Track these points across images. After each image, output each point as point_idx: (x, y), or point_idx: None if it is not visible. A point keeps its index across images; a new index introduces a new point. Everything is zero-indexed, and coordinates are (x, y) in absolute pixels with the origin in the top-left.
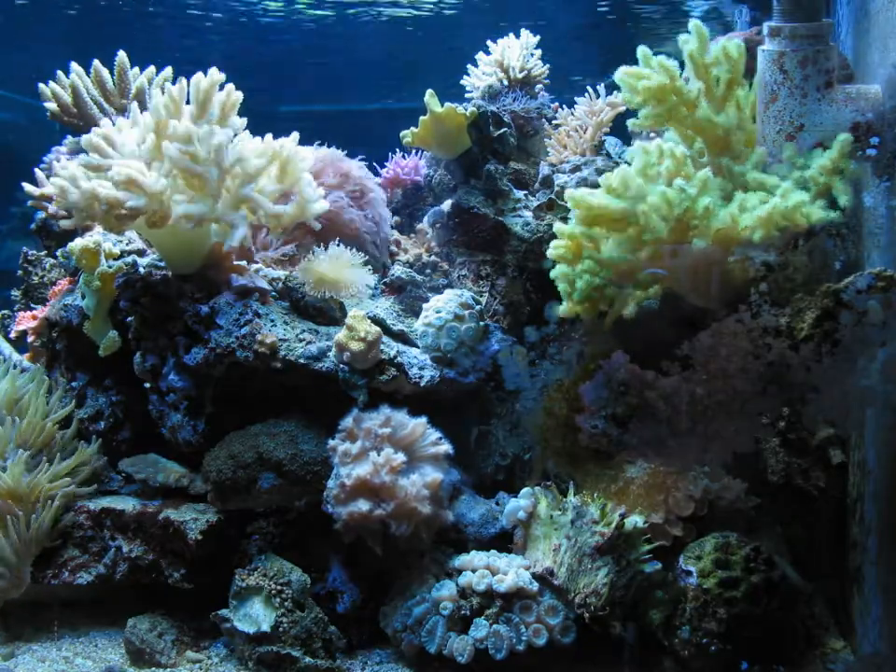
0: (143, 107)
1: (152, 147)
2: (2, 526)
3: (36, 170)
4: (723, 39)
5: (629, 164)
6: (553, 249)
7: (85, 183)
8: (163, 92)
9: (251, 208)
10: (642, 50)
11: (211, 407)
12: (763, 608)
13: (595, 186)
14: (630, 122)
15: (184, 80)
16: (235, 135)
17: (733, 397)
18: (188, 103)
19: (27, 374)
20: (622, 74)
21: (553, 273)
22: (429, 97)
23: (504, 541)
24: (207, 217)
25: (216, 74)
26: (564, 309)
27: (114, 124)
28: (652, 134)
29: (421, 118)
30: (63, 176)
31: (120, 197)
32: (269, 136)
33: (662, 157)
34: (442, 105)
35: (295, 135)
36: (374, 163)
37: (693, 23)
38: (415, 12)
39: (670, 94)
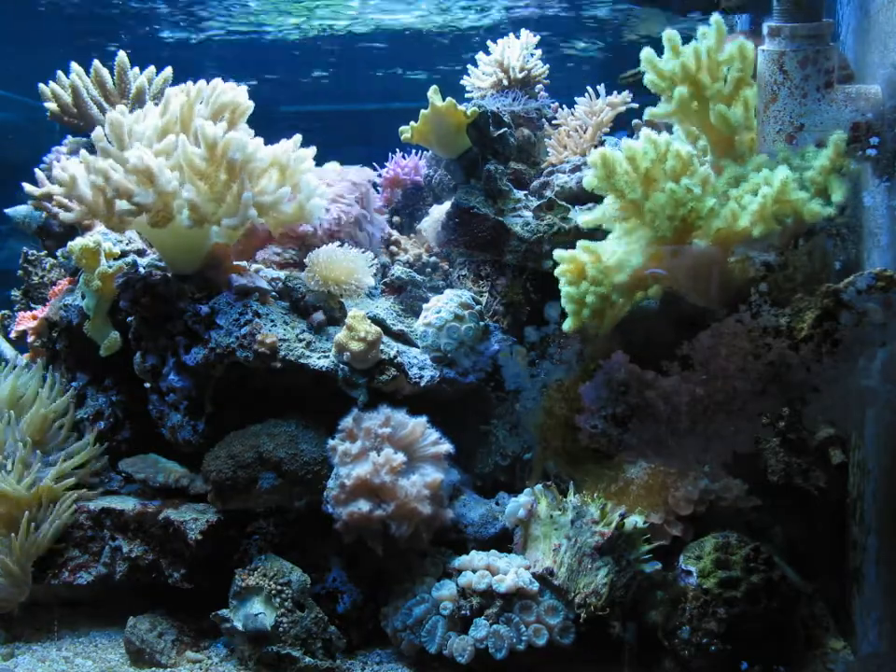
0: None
1: (161, 145)
2: (5, 534)
3: (36, 170)
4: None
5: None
6: (559, 272)
7: (101, 163)
8: (175, 93)
9: (258, 210)
10: (668, 34)
11: (211, 407)
12: (763, 608)
13: None
14: (648, 111)
15: (202, 83)
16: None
17: (733, 397)
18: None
19: (30, 372)
20: (643, 59)
21: (563, 293)
22: (433, 92)
23: (504, 541)
24: (210, 219)
25: (242, 92)
26: (569, 325)
27: None
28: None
29: (421, 111)
30: (77, 163)
31: (130, 187)
32: (283, 142)
33: (667, 152)
34: (444, 101)
35: (297, 138)
36: (374, 163)
37: (714, 19)
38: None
39: (690, 83)
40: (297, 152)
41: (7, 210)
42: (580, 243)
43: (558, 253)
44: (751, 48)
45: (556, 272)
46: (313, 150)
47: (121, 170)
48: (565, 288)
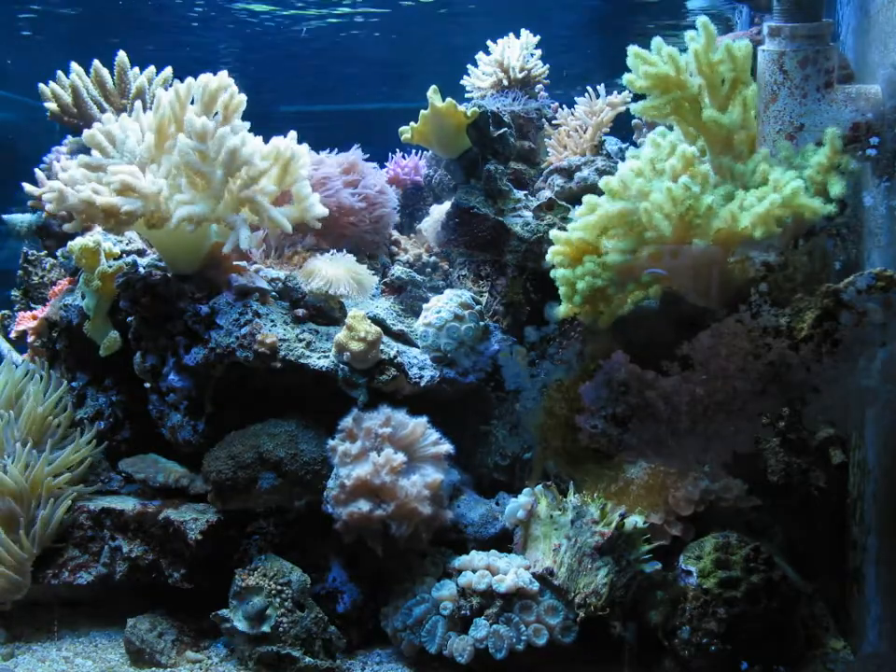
0: (143, 108)
1: (152, 146)
2: (5, 528)
3: (36, 170)
4: (724, 39)
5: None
6: (552, 255)
7: (82, 189)
8: (166, 91)
9: (252, 210)
10: (657, 41)
11: (211, 407)
12: (763, 608)
13: (595, 186)
14: (634, 108)
15: (191, 79)
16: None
17: (733, 397)
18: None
19: (27, 371)
20: (631, 54)
21: (554, 275)
22: (433, 92)
23: (504, 541)
24: (208, 218)
25: (225, 76)
26: (563, 310)
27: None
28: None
29: (421, 112)
30: (60, 180)
31: (117, 203)
32: (275, 140)
33: (672, 152)
34: (444, 101)
35: (293, 135)
36: (374, 163)
37: (701, 21)
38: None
39: (674, 87)
40: (294, 149)
41: (3, 216)
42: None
43: (554, 234)
44: (740, 47)
45: (549, 255)
46: (306, 147)
47: (105, 190)
48: (559, 272)
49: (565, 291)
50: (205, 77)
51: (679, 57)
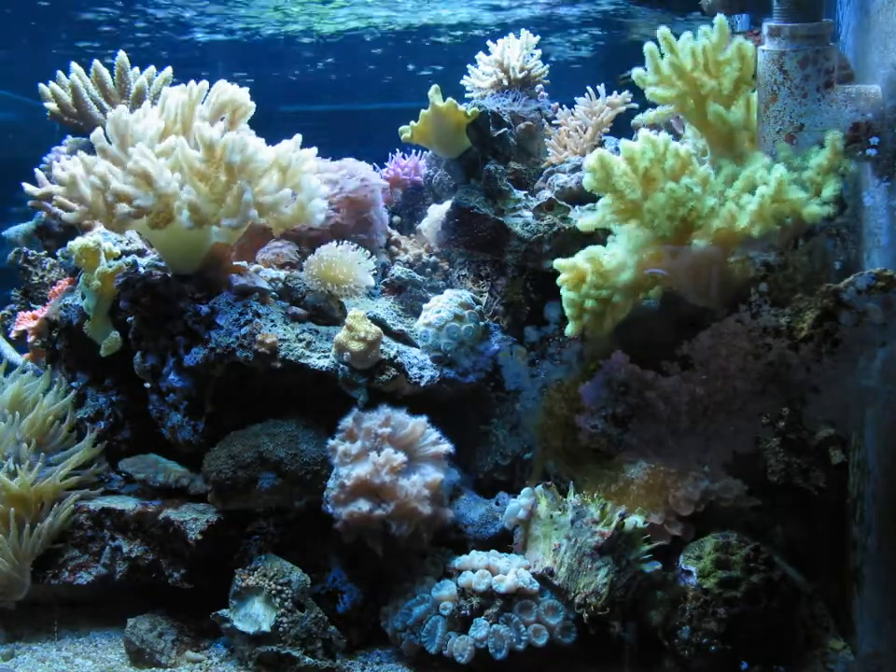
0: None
1: (161, 146)
2: (5, 530)
3: (36, 170)
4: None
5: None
6: (560, 281)
7: (99, 167)
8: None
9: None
10: (662, 32)
11: (211, 407)
12: (763, 608)
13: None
14: (638, 116)
15: (205, 83)
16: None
17: (733, 397)
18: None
19: (32, 375)
20: (661, 36)
21: (564, 304)
22: (433, 92)
23: (504, 541)
24: (210, 219)
25: (241, 92)
26: (571, 330)
27: None
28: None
29: (422, 111)
30: (77, 164)
31: (129, 192)
32: (284, 143)
33: (666, 152)
34: (444, 101)
35: (298, 138)
36: (374, 163)
37: (719, 19)
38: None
39: (686, 81)
40: (298, 152)
41: (2, 232)
42: (580, 253)
43: (558, 262)
44: (750, 47)
45: (558, 281)
46: (314, 150)
47: (120, 174)
48: (565, 294)
49: (573, 313)
50: (220, 84)
51: (685, 60)
